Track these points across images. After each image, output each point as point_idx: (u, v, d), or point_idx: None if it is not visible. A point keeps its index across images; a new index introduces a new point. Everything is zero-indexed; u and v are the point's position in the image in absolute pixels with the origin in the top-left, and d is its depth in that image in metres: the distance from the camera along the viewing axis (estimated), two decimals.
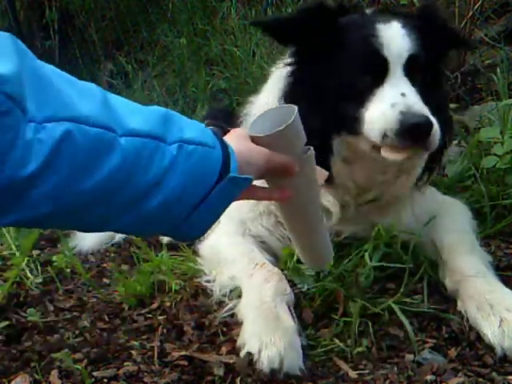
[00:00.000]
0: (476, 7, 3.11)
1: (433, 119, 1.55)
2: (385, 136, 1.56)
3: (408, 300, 1.61)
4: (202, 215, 1.09)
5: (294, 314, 1.59)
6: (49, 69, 0.92)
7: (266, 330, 1.49)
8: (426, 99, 1.63)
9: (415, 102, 1.57)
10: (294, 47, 1.81)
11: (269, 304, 1.58)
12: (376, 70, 1.65)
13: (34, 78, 0.85)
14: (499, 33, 3.49)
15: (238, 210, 1.95)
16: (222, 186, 1.07)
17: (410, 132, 1.52)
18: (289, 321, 1.54)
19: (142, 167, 0.95)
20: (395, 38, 1.67)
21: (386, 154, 1.59)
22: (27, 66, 0.85)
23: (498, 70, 2.65)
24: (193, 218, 1.07)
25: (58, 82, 0.90)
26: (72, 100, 0.89)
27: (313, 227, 1.42)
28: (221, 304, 1.78)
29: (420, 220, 1.85)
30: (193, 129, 1.06)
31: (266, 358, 1.41)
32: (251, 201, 1.71)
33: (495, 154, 2.24)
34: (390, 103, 1.57)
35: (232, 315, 1.70)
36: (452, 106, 2.87)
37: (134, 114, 0.98)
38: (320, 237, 1.45)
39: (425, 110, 1.55)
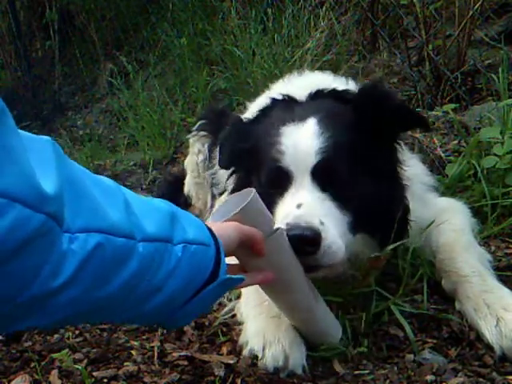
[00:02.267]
0: (476, 7, 3.10)
1: (326, 230, 1.42)
2: None
3: (408, 300, 1.61)
4: (191, 309, 1.13)
5: None
6: (80, 172, 0.94)
7: (269, 328, 1.49)
8: (355, 193, 1.52)
9: (303, 214, 1.44)
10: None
11: (270, 302, 1.58)
12: (279, 182, 1.56)
13: (70, 186, 0.87)
14: (499, 33, 3.49)
15: None
16: (214, 286, 1.12)
17: (292, 243, 1.39)
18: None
19: (153, 270, 0.99)
20: (299, 144, 1.53)
21: None
22: (64, 174, 0.86)
23: (499, 70, 2.64)
24: (182, 312, 1.12)
25: (89, 186, 0.93)
26: (102, 208, 0.91)
27: (302, 305, 1.42)
28: (220, 304, 1.78)
29: (418, 232, 1.78)
30: (193, 227, 1.11)
31: (271, 356, 1.41)
32: None
33: (495, 154, 2.24)
34: (283, 216, 1.48)
35: (232, 316, 1.70)
36: (452, 106, 2.87)
37: (149, 215, 1.02)
38: (314, 314, 1.44)
39: (312, 221, 1.41)
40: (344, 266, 1.54)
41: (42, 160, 0.83)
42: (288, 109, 1.69)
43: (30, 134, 0.87)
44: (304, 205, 1.47)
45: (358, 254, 1.60)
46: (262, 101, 2.08)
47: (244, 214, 1.25)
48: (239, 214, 1.25)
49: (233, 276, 1.18)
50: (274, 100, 1.80)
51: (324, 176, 1.52)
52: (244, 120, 1.78)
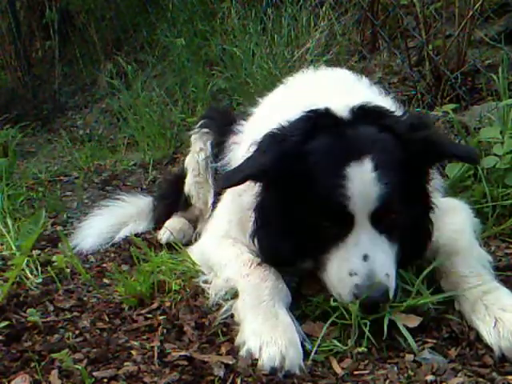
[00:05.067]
0: (476, 7, 3.10)
1: (391, 281, 1.53)
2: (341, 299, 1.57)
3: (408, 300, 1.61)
4: None
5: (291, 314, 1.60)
6: None
7: (265, 328, 1.50)
8: (403, 227, 1.61)
9: (374, 270, 1.51)
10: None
11: (267, 303, 1.59)
12: (341, 222, 1.56)
13: None
14: (499, 33, 3.49)
15: (222, 217, 1.99)
16: None
17: (364, 307, 1.50)
18: (288, 319, 1.55)
19: None
20: (363, 191, 1.53)
21: None
22: None
23: (499, 70, 2.64)
24: None
25: None
26: None
27: None
28: (220, 305, 1.78)
29: None
30: None
31: (267, 356, 1.42)
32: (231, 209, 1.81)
33: (495, 154, 2.24)
34: (349, 271, 1.53)
35: (231, 316, 1.70)
36: (452, 106, 2.87)
37: None
38: None
39: (382, 281, 1.50)
40: None
41: None
42: (337, 133, 1.62)
43: None
44: (370, 258, 1.52)
45: None
46: (278, 96, 2.08)
47: None
48: None
49: None
50: (312, 115, 1.68)
51: (382, 220, 1.57)
52: (289, 138, 1.64)
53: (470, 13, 3.12)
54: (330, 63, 3.94)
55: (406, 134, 1.61)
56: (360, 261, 1.52)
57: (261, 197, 1.71)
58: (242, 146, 1.95)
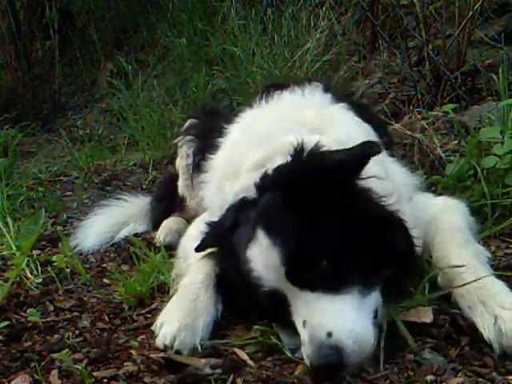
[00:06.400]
0: (476, 7, 3.11)
1: (337, 338, 1.33)
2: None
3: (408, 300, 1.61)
4: None
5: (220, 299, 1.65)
6: None
7: (175, 307, 1.60)
8: (351, 263, 1.42)
9: (314, 334, 1.36)
10: None
11: (196, 285, 1.65)
12: (274, 301, 1.47)
13: None
14: (499, 33, 3.49)
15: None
16: None
17: (320, 372, 1.37)
18: (205, 302, 1.60)
19: None
20: (265, 262, 1.45)
21: None
22: None
23: (499, 70, 2.64)
24: None
25: None
26: None
27: None
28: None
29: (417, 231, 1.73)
30: None
31: (162, 334, 1.52)
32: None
33: (495, 154, 2.24)
34: (308, 338, 1.37)
35: (231, 315, 1.70)
36: (452, 106, 2.87)
37: None
38: None
39: (323, 337, 1.34)
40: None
41: None
42: (247, 218, 1.58)
43: None
44: (307, 322, 1.40)
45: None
46: (240, 132, 1.98)
47: None
48: None
49: None
50: (237, 204, 1.68)
51: (311, 277, 1.42)
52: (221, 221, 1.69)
53: (470, 13, 3.12)
54: (330, 63, 3.95)
55: (289, 179, 1.52)
56: (301, 326, 1.41)
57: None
58: (208, 188, 2.01)
